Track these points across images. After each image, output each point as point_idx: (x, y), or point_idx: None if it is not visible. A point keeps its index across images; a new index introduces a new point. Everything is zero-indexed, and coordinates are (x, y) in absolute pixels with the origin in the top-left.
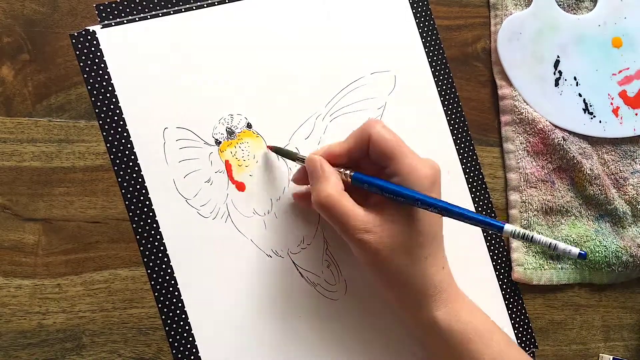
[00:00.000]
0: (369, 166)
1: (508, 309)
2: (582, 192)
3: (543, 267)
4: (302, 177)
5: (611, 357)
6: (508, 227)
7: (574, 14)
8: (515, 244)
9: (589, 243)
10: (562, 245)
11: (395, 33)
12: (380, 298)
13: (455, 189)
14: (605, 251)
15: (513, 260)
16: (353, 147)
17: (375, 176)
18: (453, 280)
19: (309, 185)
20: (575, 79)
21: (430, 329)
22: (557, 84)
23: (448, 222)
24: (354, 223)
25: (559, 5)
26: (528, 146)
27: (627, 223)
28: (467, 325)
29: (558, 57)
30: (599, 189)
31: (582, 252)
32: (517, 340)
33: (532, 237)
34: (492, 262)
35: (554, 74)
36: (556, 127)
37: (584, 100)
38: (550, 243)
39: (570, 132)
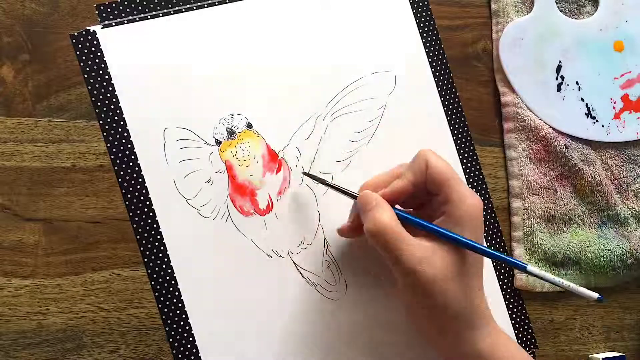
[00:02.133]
0: (412, 198)
1: (508, 309)
2: (584, 200)
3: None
4: (351, 228)
5: (601, 357)
6: (530, 268)
7: (575, 18)
8: (517, 251)
9: (592, 247)
10: (580, 289)
11: (396, 33)
12: (416, 329)
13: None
14: (610, 255)
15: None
16: (415, 180)
17: (419, 203)
18: (490, 311)
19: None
20: (577, 83)
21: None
22: (559, 89)
23: None
24: (412, 252)
25: (560, 10)
26: (531, 153)
27: (631, 228)
28: (510, 357)
29: (560, 62)
30: (601, 196)
31: (600, 297)
32: (518, 340)
33: (553, 279)
34: (493, 263)
35: (556, 79)
36: (559, 133)
37: (587, 104)
38: (569, 285)
39: (573, 137)
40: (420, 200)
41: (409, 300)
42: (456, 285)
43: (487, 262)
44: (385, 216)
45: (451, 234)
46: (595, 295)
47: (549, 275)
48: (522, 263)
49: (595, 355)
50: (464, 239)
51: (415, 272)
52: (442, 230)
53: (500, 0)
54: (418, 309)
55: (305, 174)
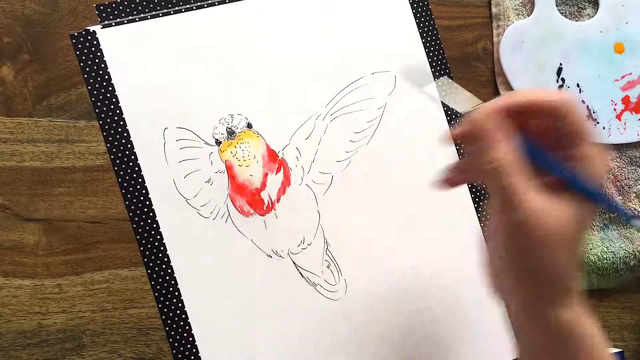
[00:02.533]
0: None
1: None
2: None
3: None
4: (459, 175)
5: None
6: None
7: (576, 21)
8: None
9: (595, 250)
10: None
11: (396, 33)
12: (494, 285)
13: (455, 189)
14: (613, 257)
15: None
16: (542, 102)
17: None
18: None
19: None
20: (578, 85)
21: (558, 330)
22: None
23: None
24: (530, 200)
25: (561, 13)
26: None
27: (634, 229)
28: (585, 331)
29: (560, 64)
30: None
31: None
32: None
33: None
34: None
35: (557, 81)
36: None
37: (587, 106)
38: None
39: None
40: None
41: (509, 258)
42: (565, 250)
43: None
44: (513, 153)
45: (585, 185)
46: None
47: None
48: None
49: None
50: (597, 193)
51: (530, 227)
52: (578, 181)
53: (500, 4)
54: (514, 264)
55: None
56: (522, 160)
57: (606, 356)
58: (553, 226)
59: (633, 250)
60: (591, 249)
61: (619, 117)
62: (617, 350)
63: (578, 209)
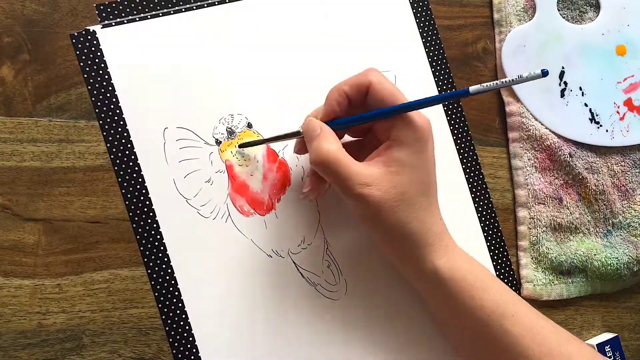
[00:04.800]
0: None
1: None
2: (589, 208)
3: (553, 282)
4: (303, 146)
5: (595, 343)
6: (473, 88)
7: (578, 24)
8: (524, 260)
9: (599, 256)
10: (525, 73)
11: (396, 33)
12: (381, 253)
13: (455, 189)
14: (617, 263)
15: (522, 277)
16: (353, 95)
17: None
18: (448, 230)
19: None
20: (580, 89)
21: (432, 279)
22: (562, 95)
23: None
24: (356, 177)
25: (563, 16)
26: (536, 162)
27: (638, 232)
28: (466, 272)
29: (563, 67)
30: (605, 204)
31: (544, 70)
32: None
33: (496, 84)
34: (493, 263)
35: (560, 85)
36: (564, 141)
37: (590, 110)
38: (512, 79)
39: (578, 145)
40: (362, 130)
41: (365, 226)
42: (405, 207)
43: (489, 267)
44: (329, 144)
45: (395, 107)
46: (539, 71)
47: (492, 84)
48: (464, 89)
49: (589, 342)
50: (408, 103)
51: (363, 195)
52: (384, 110)
53: (502, 10)
54: (374, 233)
55: (240, 146)
56: (337, 141)
57: (487, 297)
58: (386, 189)
59: (637, 256)
60: (595, 255)
61: (621, 119)
62: (611, 335)
63: (408, 167)
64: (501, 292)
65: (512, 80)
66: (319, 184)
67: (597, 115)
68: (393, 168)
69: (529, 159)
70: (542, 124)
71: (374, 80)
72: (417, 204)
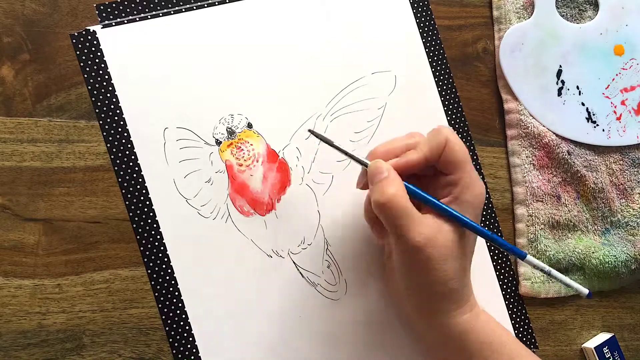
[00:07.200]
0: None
1: (508, 309)
2: (587, 206)
3: (550, 280)
4: (367, 183)
5: (593, 346)
6: (530, 258)
7: (577, 23)
8: None
9: (597, 254)
10: (575, 284)
11: (396, 33)
12: (393, 303)
13: None
14: (615, 261)
15: (520, 275)
16: (430, 156)
17: (427, 180)
18: (474, 296)
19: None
20: (577, 87)
21: (452, 334)
22: (559, 94)
23: None
24: (419, 230)
25: (562, 15)
26: (534, 160)
27: (636, 231)
28: (486, 330)
29: (560, 66)
30: (603, 202)
31: (589, 293)
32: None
33: (550, 272)
34: (493, 264)
35: (557, 83)
36: (562, 139)
37: (587, 109)
38: (566, 281)
39: (576, 143)
40: (423, 174)
41: (405, 276)
42: (454, 265)
43: (488, 265)
44: (394, 189)
45: (462, 217)
46: (586, 291)
47: (546, 267)
48: (522, 251)
49: (587, 345)
50: (473, 224)
51: (420, 249)
52: (454, 212)
53: (501, 7)
54: (412, 285)
55: (310, 131)
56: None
57: (510, 351)
58: (442, 245)
59: (635, 254)
60: (593, 253)
61: (618, 119)
62: (608, 335)
63: (462, 228)
64: (516, 355)
65: (563, 279)
66: (382, 229)
67: (593, 114)
68: (450, 226)
69: (527, 157)
70: (540, 122)
71: (451, 140)
72: (462, 265)
